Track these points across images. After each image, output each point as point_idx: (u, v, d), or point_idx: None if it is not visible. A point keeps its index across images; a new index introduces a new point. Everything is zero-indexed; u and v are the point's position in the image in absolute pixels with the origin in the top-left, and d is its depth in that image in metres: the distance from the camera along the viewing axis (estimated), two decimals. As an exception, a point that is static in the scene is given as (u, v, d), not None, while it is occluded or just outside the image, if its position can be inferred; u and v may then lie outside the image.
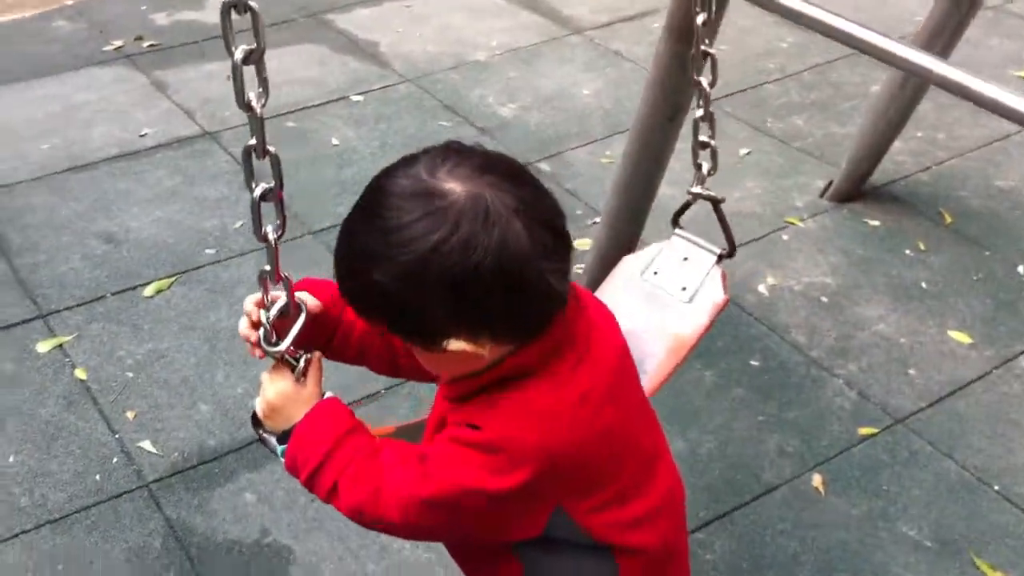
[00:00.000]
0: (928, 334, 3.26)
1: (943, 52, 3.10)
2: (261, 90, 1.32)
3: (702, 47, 2.09)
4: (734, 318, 3.28)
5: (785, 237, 3.69)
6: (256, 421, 1.56)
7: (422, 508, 1.41)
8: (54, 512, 2.59)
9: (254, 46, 1.28)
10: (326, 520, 2.56)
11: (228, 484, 2.67)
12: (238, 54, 1.28)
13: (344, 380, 2.52)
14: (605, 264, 2.88)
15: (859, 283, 3.47)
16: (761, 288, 3.43)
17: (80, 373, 3.00)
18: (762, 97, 4.58)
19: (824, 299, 3.39)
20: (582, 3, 5.41)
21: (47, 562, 2.47)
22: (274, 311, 1.45)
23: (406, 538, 2.28)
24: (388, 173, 1.36)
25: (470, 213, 1.28)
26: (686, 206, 2.19)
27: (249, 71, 1.29)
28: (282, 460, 1.52)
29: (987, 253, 3.62)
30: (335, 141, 4.20)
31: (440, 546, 1.98)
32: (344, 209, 1.36)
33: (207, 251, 3.53)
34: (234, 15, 1.26)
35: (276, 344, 1.47)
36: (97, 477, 2.69)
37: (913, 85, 3.43)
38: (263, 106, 1.32)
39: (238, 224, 3.65)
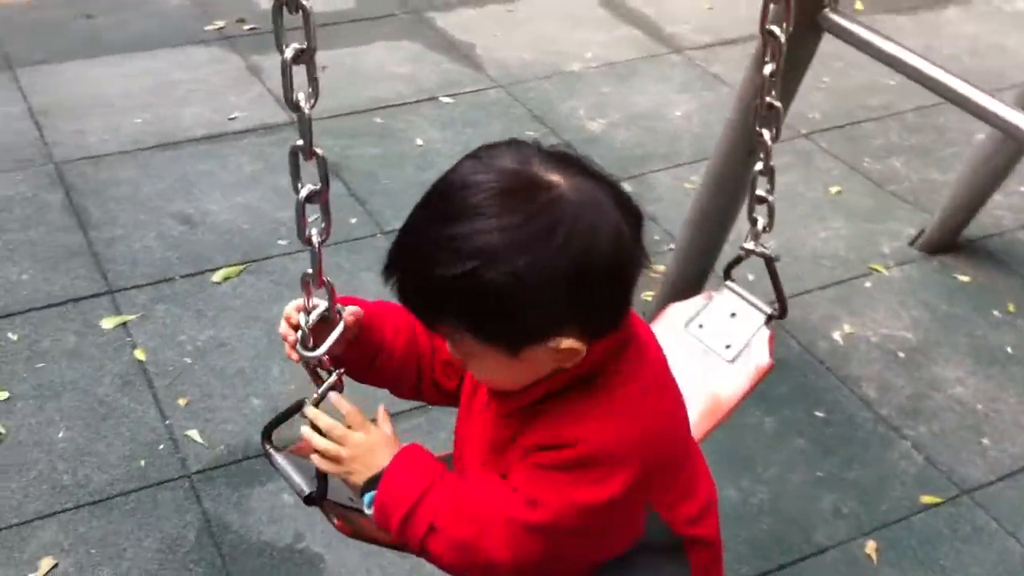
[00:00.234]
0: (1008, 403, 3.10)
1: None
2: (311, 90, 1.31)
3: (767, 99, 2.00)
4: (803, 364, 3.16)
5: (868, 284, 3.55)
6: (267, 436, 1.54)
7: (535, 538, 1.35)
8: (95, 494, 2.60)
9: (305, 44, 1.27)
10: (361, 532, 2.53)
11: (268, 484, 2.65)
12: (288, 52, 1.27)
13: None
14: (675, 295, 2.81)
15: (940, 341, 3.32)
16: (836, 335, 3.30)
17: (139, 354, 3.02)
18: (860, 135, 4.43)
19: (901, 354, 3.25)
20: (685, 21, 5.30)
21: (80, 544, 2.47)
22: (314, 316, 1.45)
23: None
24: (467, 170, 1.30)
25: (588, 204, 1.25)
26: (737, 260, 2.13)
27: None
28: (368, 511, 1.43)
29: (1081, 323, 3.44)
30: (419, 141, 4.17)
31: None
32: (421, 212, 1.30)
33: (280, 242, 3.53)
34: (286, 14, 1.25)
35: (312, 350, 1.44)
36: (142, 463, 2.69)
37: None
38: (312, 107, 1.31)
39: (312, 218, 3.63)
